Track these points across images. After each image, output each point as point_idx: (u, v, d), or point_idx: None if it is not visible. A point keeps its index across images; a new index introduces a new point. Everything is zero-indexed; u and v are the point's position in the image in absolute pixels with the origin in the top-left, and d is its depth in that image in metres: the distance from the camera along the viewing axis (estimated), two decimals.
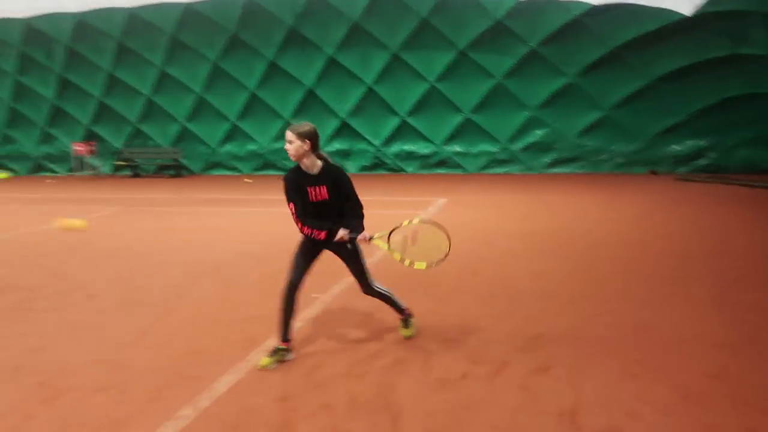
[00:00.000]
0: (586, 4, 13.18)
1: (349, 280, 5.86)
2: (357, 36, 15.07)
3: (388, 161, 16.26)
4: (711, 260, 6.49)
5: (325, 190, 3.81)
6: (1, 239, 8.72)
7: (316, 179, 3.81)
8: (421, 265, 3.93)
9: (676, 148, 14.04)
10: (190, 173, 17.93)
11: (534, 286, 5.66)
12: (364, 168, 16.44)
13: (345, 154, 16.59)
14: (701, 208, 9.81)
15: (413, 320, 4.38)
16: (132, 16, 15.85)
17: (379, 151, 16.23)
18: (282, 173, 15.47)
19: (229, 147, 17.46)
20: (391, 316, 4.93)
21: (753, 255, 6.74)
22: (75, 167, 18.08)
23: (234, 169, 17.59)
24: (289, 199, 3.79)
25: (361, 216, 3.94)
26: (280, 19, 15.14)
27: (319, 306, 5.08)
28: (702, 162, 13.88)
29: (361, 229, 3.86)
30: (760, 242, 7.43)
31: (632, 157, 14.43)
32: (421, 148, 15.83)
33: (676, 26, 12.77)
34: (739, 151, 13.48)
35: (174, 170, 17.73)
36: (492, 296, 5.36)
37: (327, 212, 3.85)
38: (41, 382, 3.86)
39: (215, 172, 17.79)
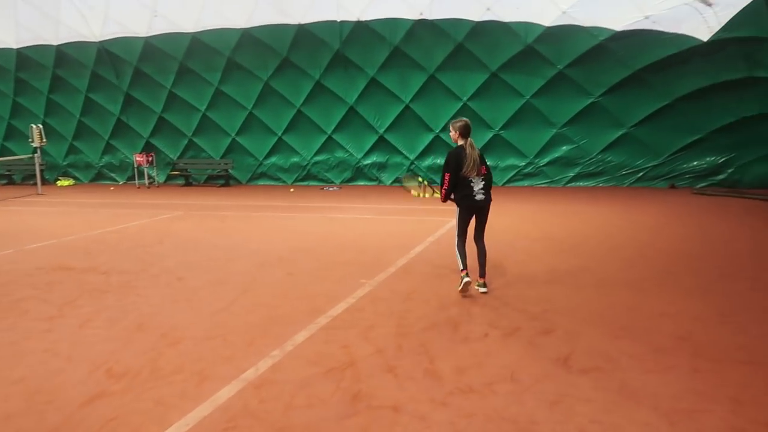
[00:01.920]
0: (610, 30, 14.16)
1: (391, 270, 7.03)
2: (397, 59, 16.27)
3: (420, 174, 17.35)
4: (713, 259, 7.35)
5: None
6: (89, 235, 10.10)
7: None
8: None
9: (695, 163, 14.83)
10: (237, 183, 19.35)
11: (547, 276, 6.64)
12: (398, 180, 17.51)
13: (381, 167, 17.79)
14: (714, 218, 10.48)
15: (464, 281, 5.82)
16: (194, 39, 17.44)
17: (413, 164, 17.36)
18: (322, 183, 16.64)
19: (274, 159, 18.83)
20: (427, 293, 6.05)
21: (753, 255, 7.56)
22: (133, 176, 19.71)
23: (278, 179, 18.93)
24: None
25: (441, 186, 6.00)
26: (327, 43, 16.52)
27: (368, 288, 6.21)
28: (719, 177, 14.60)
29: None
30: (763, 245, 8.23)
31: (653, 172, 15.24)
32: None
33: (694, 50, 13.63)
34: (755, 167, 14.17)
35: (223, 180, 19.20)
36: (509, 283, 6.38)
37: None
38: (162, 334, 5.08)
39: (260, 182, 19.15)
